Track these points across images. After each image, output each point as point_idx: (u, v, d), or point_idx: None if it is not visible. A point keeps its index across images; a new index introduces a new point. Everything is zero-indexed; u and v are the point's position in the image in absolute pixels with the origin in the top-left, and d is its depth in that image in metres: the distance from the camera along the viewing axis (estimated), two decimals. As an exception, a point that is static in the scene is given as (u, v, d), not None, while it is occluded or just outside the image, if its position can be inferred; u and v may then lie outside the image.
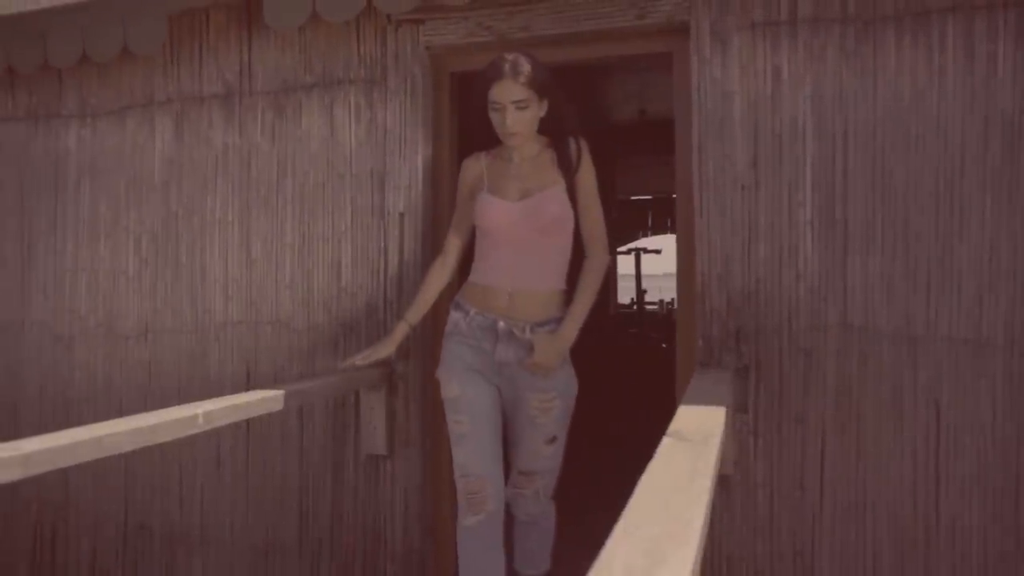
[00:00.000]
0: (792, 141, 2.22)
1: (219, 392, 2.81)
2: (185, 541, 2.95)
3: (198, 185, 2.96)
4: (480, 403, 2.18)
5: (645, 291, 7.32)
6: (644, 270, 7.51)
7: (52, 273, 3.22)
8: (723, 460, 2.15)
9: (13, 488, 3.19)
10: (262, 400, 1.88)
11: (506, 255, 2.17)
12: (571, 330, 2.14)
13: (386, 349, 2.32)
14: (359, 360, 2.31)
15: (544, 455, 2.25)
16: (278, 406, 1.97)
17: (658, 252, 7.17)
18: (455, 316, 2.23)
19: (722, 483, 2.25)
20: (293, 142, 2.82)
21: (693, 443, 1.30)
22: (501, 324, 2.16)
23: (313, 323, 2.76)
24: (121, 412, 3.01)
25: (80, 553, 3.15)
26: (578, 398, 2.27)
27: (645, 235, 9.11)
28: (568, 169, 2.17)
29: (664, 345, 5.41)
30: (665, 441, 1.32)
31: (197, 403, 1.78)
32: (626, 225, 8.66)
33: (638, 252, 7.31)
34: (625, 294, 7.64)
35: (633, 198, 8.88)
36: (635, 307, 6.94)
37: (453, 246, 2.34)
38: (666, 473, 1.11)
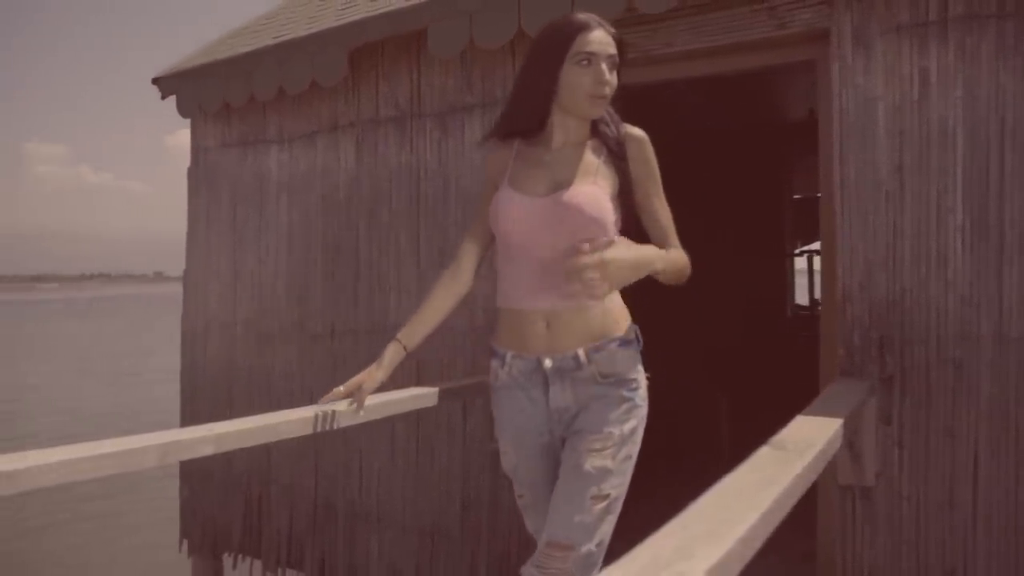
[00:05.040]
0: (941, 145, 2.13)
1: (392, 386, 3.11)
2: (364, 520, 3.30)
3: (375, 199, 3.29)
4: (540, 472, 1.80)
5: (827, 292, 7.01)
6: (830, 269, 7.16)
7: (257, 279, 3.71)
8: (863, 471, 2.13)
9: (229, 463, 3.72)
10: (414, 397, 2.11)
11: (535, 268, 1.72)
12: (651, 254, 1.61)
13: (373, 381, 1.83)
14: (346, 401, 1.87)
15: (586, 511, 1.62)
16: (431, 402, 2.20)
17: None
18: (493, 365, 1.85)
19: (863, 494, 2.21)
20: (457, 158, 3.07)
21: (787, 453, 1.35)
22: (547, 363, 1.72)
23: (473, 325, 2.99)
24: (312, 400, 3.40)
25: (280, 522, 3.60)
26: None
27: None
28: (620, 156, 1.73)
29: None
30: (762, 450, 1.37)
31: (358, 398, 2.03)
32: (808, 223, 8.31)
33: (810, 255, 7.03)
34: (807, 293, 7.38)
35: (819, 195, 8.50)
36: (810, 309, 6.69)
37: (468, 252, 1.91)
38: (743, 480, 1.18)
